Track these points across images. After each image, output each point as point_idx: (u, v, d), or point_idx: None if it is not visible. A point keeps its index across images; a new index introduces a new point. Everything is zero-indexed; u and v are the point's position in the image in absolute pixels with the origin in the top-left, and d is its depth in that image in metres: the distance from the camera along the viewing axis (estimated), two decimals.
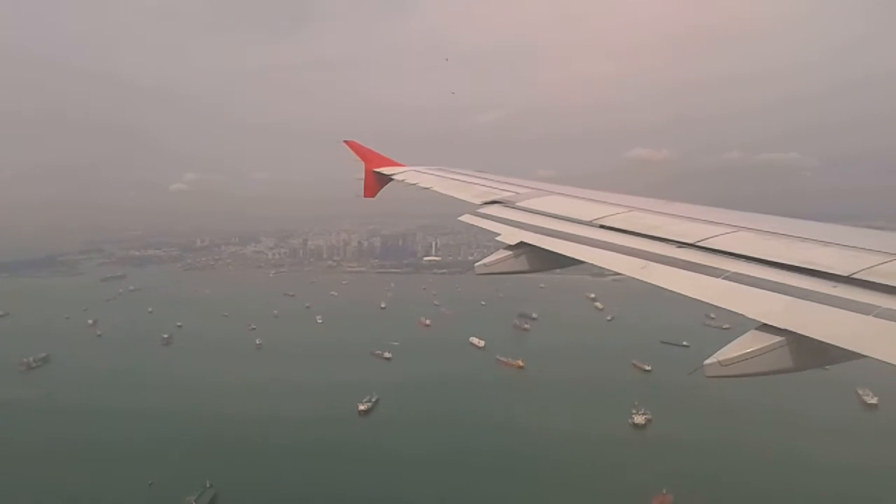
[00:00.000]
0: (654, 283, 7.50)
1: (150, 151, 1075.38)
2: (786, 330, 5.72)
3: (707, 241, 8.10)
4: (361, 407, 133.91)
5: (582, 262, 9.10)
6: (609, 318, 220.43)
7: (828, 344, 5.38)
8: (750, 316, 6.12)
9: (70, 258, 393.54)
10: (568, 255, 9.28)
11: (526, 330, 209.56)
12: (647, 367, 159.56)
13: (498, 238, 10.80)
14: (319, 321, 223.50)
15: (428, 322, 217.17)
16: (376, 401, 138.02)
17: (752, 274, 6.94)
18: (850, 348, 5.20)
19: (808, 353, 5.73)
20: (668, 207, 10.40)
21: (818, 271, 6.57)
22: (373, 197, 20.02)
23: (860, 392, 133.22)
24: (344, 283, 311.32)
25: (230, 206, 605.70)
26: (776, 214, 9.52)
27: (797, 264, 6.85)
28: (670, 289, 7.23)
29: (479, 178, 16.04)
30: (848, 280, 6.21)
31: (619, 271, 8.24)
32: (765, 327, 5.92)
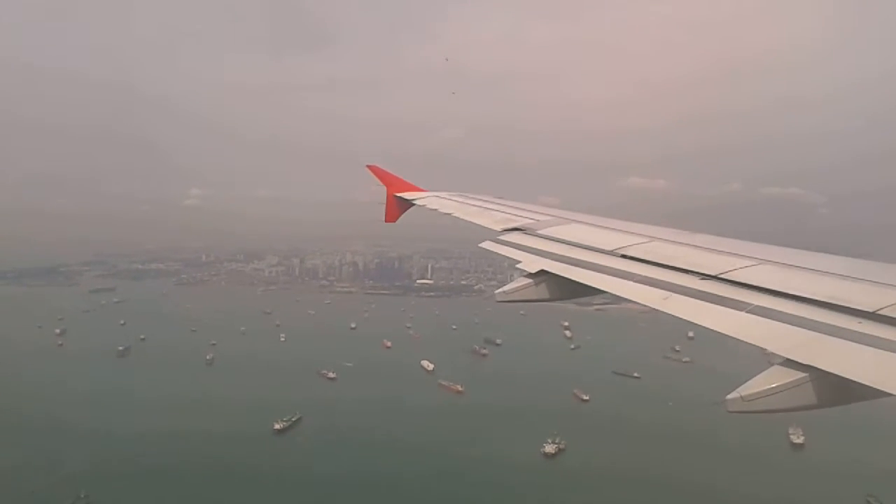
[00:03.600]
0: (676, 314, 7.40)
1: (163, 165, 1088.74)
2: (810, 366, 5.60)
3: (730, 274, 8.02)
4: (277, 426, 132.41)
5: (603, 292, 9.07)
6: (573, 346, 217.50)
7: (852, 381, 5.26)
8: (773, 350, 6.02)
9: (72, 269, 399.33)
10: (589, 284, 9.22)
11: (484, 355, 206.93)
12: (585, 397, 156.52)
13: (518, 266, 10.67)
14: (282, 339, 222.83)
15: (389, 344, 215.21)
16: (297, 420, 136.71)
17: (775, 308, 6.84)
18: (876, 386, 5.08)
19: (832, 390, 5.58)
20: (689, 238, 10.36)
21: (843, 306, 6.46)
22: (394, 222, 20.26)
23: (790, 432, 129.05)
24: (327, 302, 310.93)
25: (244, 223, 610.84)
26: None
27: (822, 299, 6.73)
28: (693, 321, 7.20)
29: (500, 204, 16.23)
30: (873, 316, 6.12)
31: (641, 302, 8.15)
32: (788, 363, 5.79)
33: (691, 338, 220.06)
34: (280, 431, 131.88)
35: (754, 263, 8.29)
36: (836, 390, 5.55)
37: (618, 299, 9.65)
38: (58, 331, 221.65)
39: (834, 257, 8.56)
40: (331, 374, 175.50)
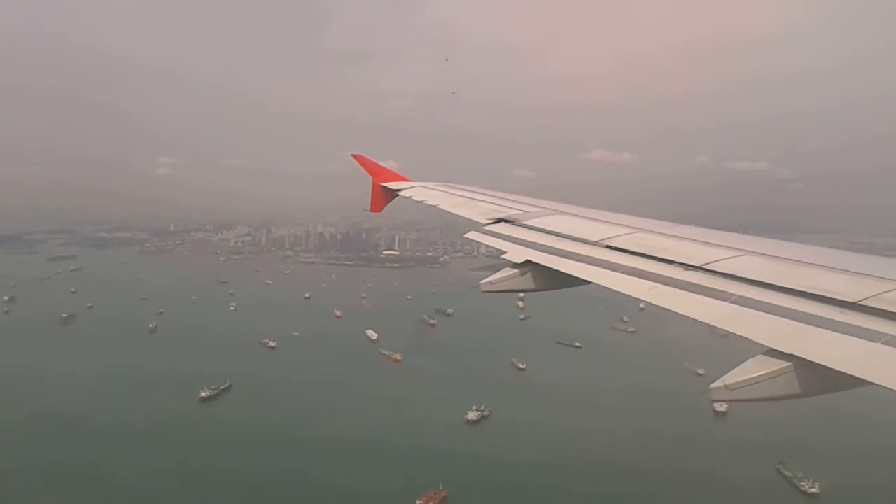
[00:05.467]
0: (661, 305, 7.44)
1: (137, 134, 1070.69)
2: (793, 355, 5.66)
3: (714, 265, 8.07)
4: (203, 394, 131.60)
5: (588, 283, 9.02)
6: (522, 317, 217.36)
7: (835, 370, 5.32)
8: (757, 340, 6.02)
9: (35, 237, 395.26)
10: (574, 275, 9.26)
11: (432, 325, 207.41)
12: (522, 366, 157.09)
13: (504, 256, 10.73)
14: (232, 308, 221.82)
15: (339, 314, 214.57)
16: (225, 388, 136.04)
17: (759, 298, 6.90)
18: (858, 375, 5.16)
19: (815, 379, 5.62)
20: (673, 229, 10.40)
21: (826, 297, 6.52)
22: (379, 211, 20.50)
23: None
24: (287, 272, 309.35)
25: (217, 193, 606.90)
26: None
27: (805, 290, 6.80)
28: (677, 311, 7.17)
29: (486, 195, 16.26)
30: (856, 307, 6.16)
31: (626, 293, 8.14)
32: (772, 352, 5.82)
33: (642, 309, 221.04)
34: (206, 399, 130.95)
35: (738, 254, 8.37)
36: (819, 380, 5.62)
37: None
38: (6, 297, 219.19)
39: (818, 248, 8.64)
40: (272, 344, 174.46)
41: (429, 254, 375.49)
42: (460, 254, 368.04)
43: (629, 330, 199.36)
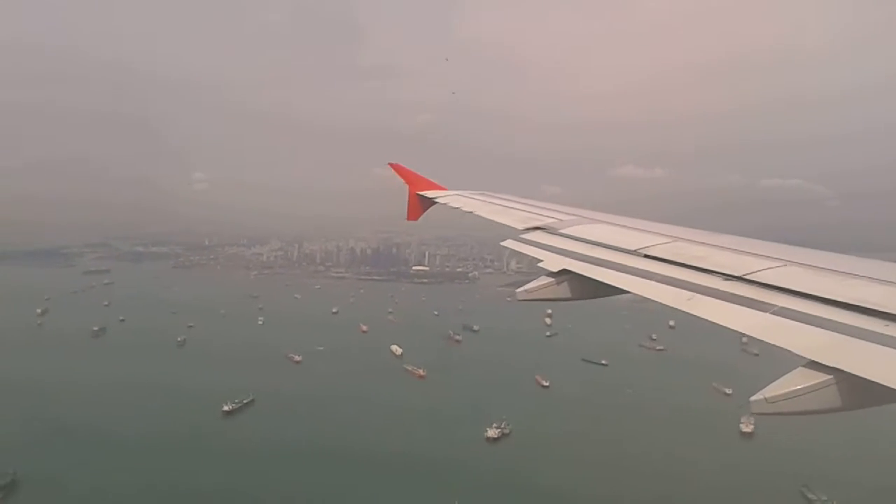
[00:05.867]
0: (699, 315, 7.30)
1: (176, 151, 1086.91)
2: (835, 368, 5.51)
3: (754, 275, 7.91)
4: (226, 408, 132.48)
5: (625, 292, 9.00)
6: (549, 334, 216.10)
7: (878, 384, 5.16)
8: (798, 352, 5.88)
9: (73, 251, 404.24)
10: (611, 283, 9.13)
11: (458, 342, 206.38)
12: (546, 383, 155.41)
13: (540, 265, 10.52)
14: (260, 322, 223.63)
15: (365, 328, 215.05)
16: (248, 402, 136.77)
17: (800, 309, 6.71)
18: None
19: (857, 392, 5.49)
20: (712, 238, 10.19)
21: (869, 309, 6.33)
22: (416, 220, 20.36)
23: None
24: (316, 287, 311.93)
25: (252, 209, 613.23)
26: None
27: (847, 301, 6.60)
28: (716, 322, 7.05)
29: (522, 203, 16.22)
30: None
31: (664, 302, 7.99)
32: (813, 364, 5.69)
33: (672, 327, 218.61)
34: (229, 413, 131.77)
35: (779, 265, 8.17)
36: (860, 393, 5.46)
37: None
38: (39, 310, 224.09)
39: (861, 259, 8.40)
40: (297, 358, 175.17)
41: (458, 269, 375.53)
42: (490, 270, 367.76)
43: (657, 348, 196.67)
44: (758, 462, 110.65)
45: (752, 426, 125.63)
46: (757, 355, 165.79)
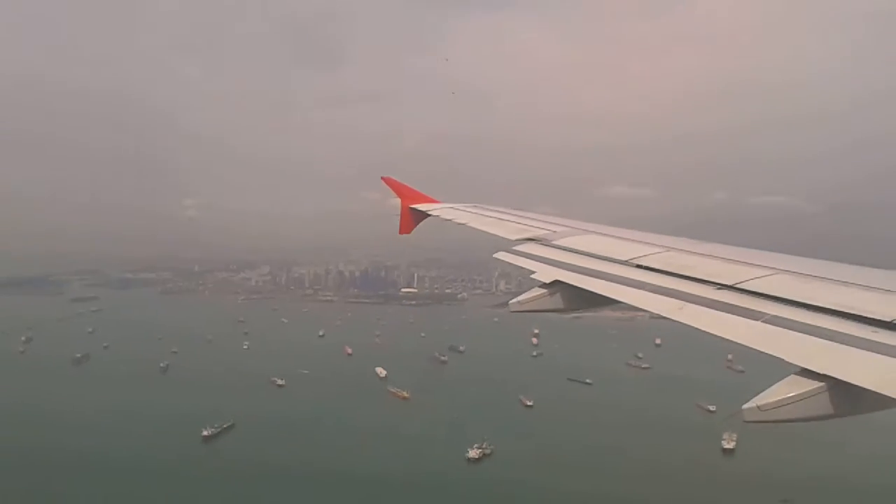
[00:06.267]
0: (691, 324, 7.38)
1: (165, 178, 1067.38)
2: (826, 375, 5.55)
3: (745, 283, 8.00)
4: (205, 433, 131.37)
5: (617, 302, 9.11)
6: (535, 354, 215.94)
7: (869, 391, 5.24)
8: (789, 360, 5.92)
9: (61, 278, 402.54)
10: (604, 294, 9.25)
11: (444, 363, 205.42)
12: (529, 403, 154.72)
13: (533, 276, 10.62)
14: (245, 347, 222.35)
15: (350, 351, 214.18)
16: (228, 426, 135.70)
17: (791, 317, 6.79)
18: (893, 395, 5.08)
19: (849, 399, 5.55)
20: (703, 248, 10.35)
21: (859, 316, 6.40)
22: (408, 233, 20.26)
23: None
24: (304, 311, 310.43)
25: (243, 235, 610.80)
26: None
27: (838, 308, 6.69)
28: (707, 331, 7.09)
29: (515, 215, 16.30)
30: (890, 325, 6.05)
31: (656, 312, 8.15)
32: (805, 372, 5.72)
33: (658, 345, 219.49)
34: (208, 438, 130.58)
35: (770, 273, 8.24)
36: (852, 400, 5.53)
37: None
38: (23, 338, 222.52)
39: (850, 266, 8.41)
40: (280, 382, 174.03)
41: (447, 291, 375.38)
42: (479, 291, 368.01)
43: (643, 366, 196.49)
44: (737, 477, 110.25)
45: (733, 442, 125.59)
46: (742, 372, 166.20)
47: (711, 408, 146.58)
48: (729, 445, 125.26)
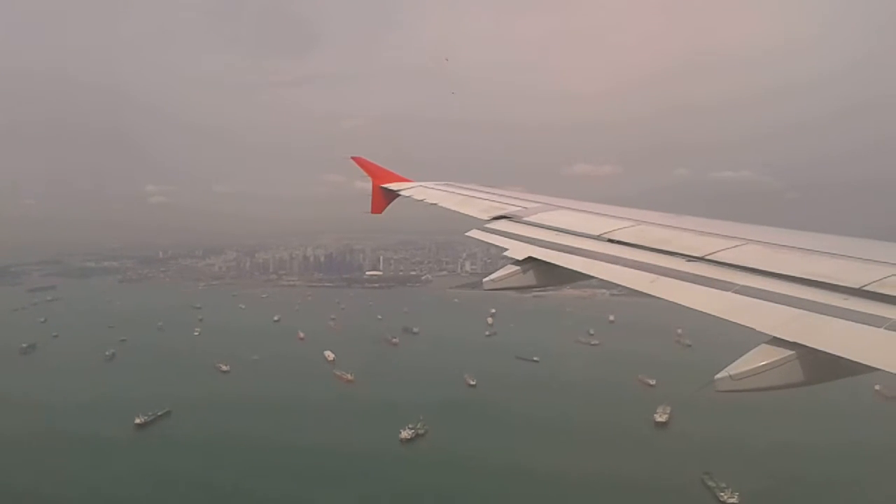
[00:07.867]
0: (663, 297, 7.43)
1: (134, 163, 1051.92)
2: (797, 343, 5.62)
3: (716, 255, 8.03)
4: (138, 420, 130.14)
5: (591, 277, 9.13)
6: (488, 333, 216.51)
7: (839, 357, 5.35)
8: (760, 329, 5.97)
9: (22, 269, 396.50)
10: (576, 269, 9.28)
11: (395, 345, 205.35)
12: (472, 382, 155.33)
13: (505, 253, 10.61)
14: (196, 333, 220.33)
15: (303, 335, 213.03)
16: (163, 414, 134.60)
17: (761, 287, 6.85)
18: (863, 361, 5.19)
19: (820, 366, 5.64)
20: (675, 221, 10.33)
21: (829, 284, 6.45)
22: (380, 213, 20.13)
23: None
24: (263, 296, 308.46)
25: (211, 220, 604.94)
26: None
27: (807, 277, 6.73)
28: (679, 303, 7.11)
29: (487, 192, 16.19)
30: (859, 292, 6.11)
31: (628, 286, 8.18)
32: (775, 341, 5.78)
33: (612, 321, 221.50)
34: (141, 426, 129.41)
35: (740, 244, 8.28)
36: (823, 367, 5.57)
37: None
38: None
39: (819, 235, 8.45)
40: (224, 368, 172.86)
41: (412, 273, 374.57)
42: (444, 272, 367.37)
43: (592, 343, 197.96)
44: (664, 451, 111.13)
45: (666, 416, 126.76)
46: (690, 346, 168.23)
47: (651, 381, 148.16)
48: (661, 419, 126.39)
